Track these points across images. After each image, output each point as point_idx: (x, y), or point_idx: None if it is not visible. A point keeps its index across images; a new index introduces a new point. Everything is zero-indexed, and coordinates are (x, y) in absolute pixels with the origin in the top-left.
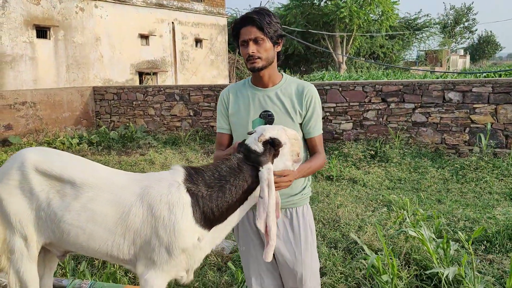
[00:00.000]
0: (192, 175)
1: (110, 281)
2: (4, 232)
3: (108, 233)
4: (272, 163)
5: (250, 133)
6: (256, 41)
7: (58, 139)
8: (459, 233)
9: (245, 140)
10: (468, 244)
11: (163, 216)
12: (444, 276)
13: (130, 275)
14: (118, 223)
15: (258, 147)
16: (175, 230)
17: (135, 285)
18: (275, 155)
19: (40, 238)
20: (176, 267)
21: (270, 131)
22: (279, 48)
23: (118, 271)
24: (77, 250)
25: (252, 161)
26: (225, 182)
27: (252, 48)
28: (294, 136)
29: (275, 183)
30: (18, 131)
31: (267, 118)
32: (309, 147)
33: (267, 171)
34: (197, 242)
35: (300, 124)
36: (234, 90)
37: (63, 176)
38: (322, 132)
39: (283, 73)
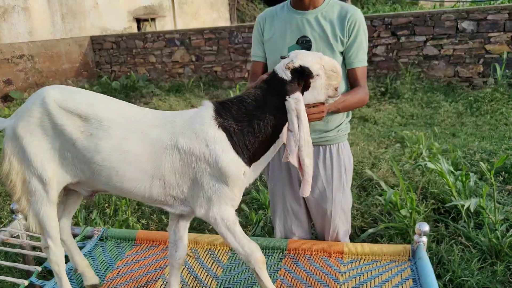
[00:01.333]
0: (221, 110)
1: (123, 228)
2: (23, 172)
3: (144, 175)
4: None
5: (283, 58)
6: None
7: None
8: (481, 163)
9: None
10: (491, 174)
11: (203, 153)
12: (465, 208)
13: (142, 222)
14: (154, 164)
15: (286, 75)
16: (219, 166)
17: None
18: (306, 87)
19: (64, 179)
20: (234, 200)
21: (302, 58)
22: None
23: (130, 218)
24: (109, 190)
25: (278, 91)
26: (252, 116)
27: None
28: (332, 67)
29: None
30: (18, 86)
31: (305, 44)
32: (350, 80)
33: (295, 101)
34: (243, 176)
35: (341, 53)
36: (271, 14)
37: (88, 114)
38: (367, 65)
39: None
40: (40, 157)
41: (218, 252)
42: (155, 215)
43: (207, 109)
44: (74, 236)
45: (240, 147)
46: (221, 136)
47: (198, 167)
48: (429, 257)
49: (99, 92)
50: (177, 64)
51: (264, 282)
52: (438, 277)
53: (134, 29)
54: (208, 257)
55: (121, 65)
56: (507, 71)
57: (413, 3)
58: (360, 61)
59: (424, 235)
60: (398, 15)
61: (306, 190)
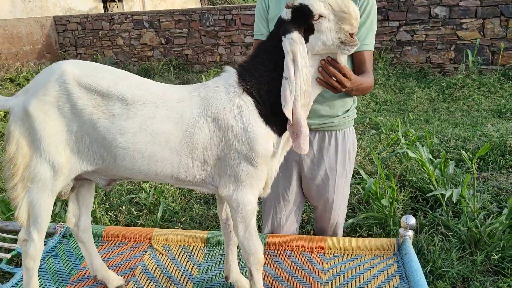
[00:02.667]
0: (243, 74)
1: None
2: (29, 157)
3: (173, 153)
4: (307, 41)
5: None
6: None
7: (22, 75)
8: (463, 152)
9: None
10: (472, 163)
11: (231, 126)
12: (446, 197)
13: (110, 214)
14: (183, 141)
15: (286, 15)
16: (247, 138)
17: (116, 225)
18: (309, 30)
19: (79, 166)
20: (260, 179)
21: None
22: None
23: (97, 210)
24: (131, 176)
25: (279, 34)
26: (269, 72)
27: None
28: (342, 7)
29: (332, 75)
30: None
31: None
32: (356, 64)
33: (290, 41)
34: (272, 148)
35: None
36: None
37: (111, 92)
38: (374, 50)
39: None
40: (54, 140)
41: (192, 249)
42: (123, 207)
43: (230, 75)
44: None
45: (266, 113)
46: (248, 103)
47: (226, 141)
48: None
49: None
50: (146, 47)
51: (256, 285)
52: None
53: (100, 10)
54: (183, 255)
55: (87, 48)
56: (478, 57)
57: None
58: (369, 44)
59: (410, 229)
60: None
61: (303, 147)
